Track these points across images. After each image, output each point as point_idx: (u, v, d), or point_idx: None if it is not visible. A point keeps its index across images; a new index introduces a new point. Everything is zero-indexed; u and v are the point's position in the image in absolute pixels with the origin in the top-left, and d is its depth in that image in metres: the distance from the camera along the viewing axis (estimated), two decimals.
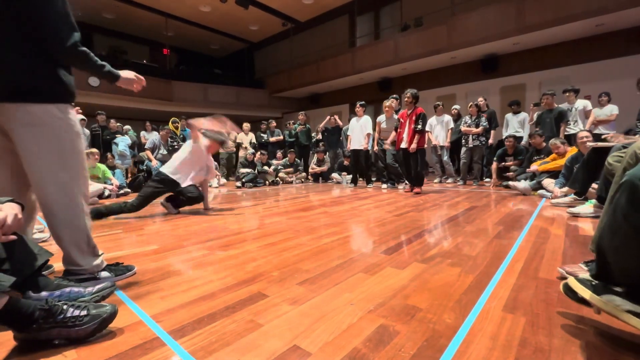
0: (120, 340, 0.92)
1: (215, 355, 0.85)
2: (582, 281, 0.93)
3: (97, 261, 1.30)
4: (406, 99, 4.57)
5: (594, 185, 2.95)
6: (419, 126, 4.45)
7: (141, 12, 10.66)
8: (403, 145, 4.67)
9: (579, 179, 3.02)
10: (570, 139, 4.76)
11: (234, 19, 11.48)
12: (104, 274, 1.33)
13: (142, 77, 1.44)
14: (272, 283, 1.34)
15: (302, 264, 1.58)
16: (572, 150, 3.92)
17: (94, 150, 4.86)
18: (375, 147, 5.82)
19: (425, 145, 4.70)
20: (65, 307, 0.91)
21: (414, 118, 4.51)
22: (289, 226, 2.49)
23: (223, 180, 7.02)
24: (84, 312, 0.92)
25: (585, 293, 0.89)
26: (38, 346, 0.88)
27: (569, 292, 0.99)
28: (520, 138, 5.65)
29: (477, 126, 5.73)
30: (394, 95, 5.78)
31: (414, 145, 4.46)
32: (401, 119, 4.74)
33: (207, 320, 1.03)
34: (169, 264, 1.61)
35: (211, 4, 10.28)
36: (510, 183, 4.58)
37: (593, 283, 0.93)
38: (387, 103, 5.49)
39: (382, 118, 5.65)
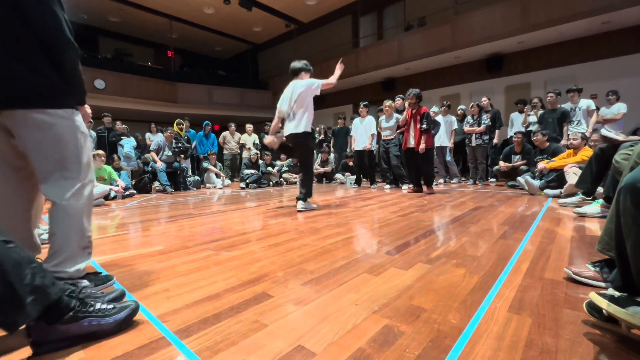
0: (126, 340, 0.93)
1: (221, 355, 0.85)
2: (604, 295, 0.91)
3: (81, 267, 1.25)
4: (409, 100, 4.57)
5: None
6: (424, 125, 4.44)
7: (146, 14, 10.76)
8: (410, 145, 4.64)
9: (586, 178, 2.99)
10: None
11: (237, 21, 11.55)
12: (84, 282, 1.28)
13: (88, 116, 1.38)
14: (276, 283, 1.34)
15: (307, 264, 1.58)
16: (586, 149, 3.87)
17: (100, 152, 4.91)
18: (375, 147, 5.84)
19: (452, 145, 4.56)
20: (92, 301, 0.95)
21: (418, 118, 4.50)
22: (293, 227, 2.49)
23: (227, 181, 7.05)
24: (110, 305, 0.97)
25: (610, 307, 0.86)
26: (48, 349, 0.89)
27: (594, 311, 0.96)
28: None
29: (479, 125, 5.70)
30: (400, 95, 5.76)
31: (422, 146, 4.45)
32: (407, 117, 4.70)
33: (213, 320, 1.04)
34: (174, 265, 1.62)
35: (215, 5, 10.35)
36: (519, 179, 4.52)
37: (616, 296, 0.90)
38: (387, 103, 5.48)
39: (382, 118, 5.65)
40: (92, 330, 0.91)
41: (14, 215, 1.22)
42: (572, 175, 3.54)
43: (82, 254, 1.25)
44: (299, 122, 3.25)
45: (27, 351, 0.88)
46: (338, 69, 3.32)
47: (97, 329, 0.92)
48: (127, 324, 0.99)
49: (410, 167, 4.82)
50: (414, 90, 4.57)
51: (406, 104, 4.68)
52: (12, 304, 0.75)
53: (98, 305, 0.94)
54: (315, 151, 7.95)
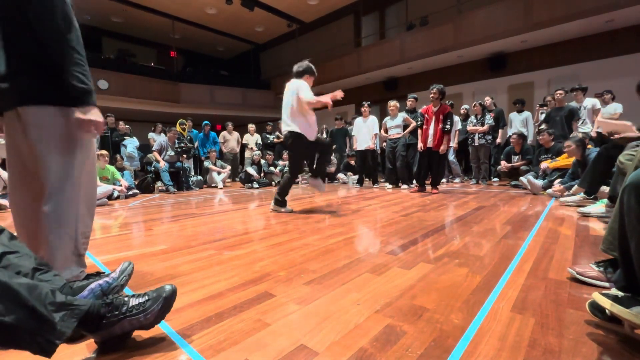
0: (129, 339, 0.93)
1: (223, 354, 0.86)
2: (607, 295, 0.90)
3: (76, 272, 1.20)
4: (432, 96, 4.44)
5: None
6: (447, 126, 4.37)
7: (148, 15, 10.79)
8: (429, 144, 4.55)
9: (589, 178, 2.97)
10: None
11: (239, 21, 11.55)
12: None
13: (99, 123, 1.14)
14: (279, 283, 1.34)
15: (309, 264, 1.58)
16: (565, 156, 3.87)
17: (104, 152, 4.94)
18: (377, 147, 5.81)
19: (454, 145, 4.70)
20: (125, 299, 0.91)
21: (441, 117, 4.41)
22: (295, 226, 2.50)
23: (227, 172, 7.06)
24: (144, 298, 0.91)
25: (613, 307, 0.86)
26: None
27: (596, 311, 0.96)
28: (526, 137, 5.57)
29: (482, 125, 5.68)
30: (414, 95, 5.74)
31: (443, 147, 4.39)
32: (426, 115, 4.61)
33: (215, 319, 1.04)
34: (177, 264, 1.63)
35: (217, 6, 10.36)
36: (522, 179, 4.50)
37: (619, 296, 0.90)
38: (391, 103, 5.48)
39: (387, 119, 5.64)
40: (134, 328, 0.89)
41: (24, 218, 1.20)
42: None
43: (75, 259, 1.20)
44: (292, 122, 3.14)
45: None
46: (328, 97, 2.94)
47: (139, 326, 0.89)
48: (166, 312, 0.93)
49: (422, 166, 4.75)
50: (437, 85, 4.44)
51: (430, 96, 4.51)
52: (40, 326, 0.71)
53: (132, 302, 0.90)
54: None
